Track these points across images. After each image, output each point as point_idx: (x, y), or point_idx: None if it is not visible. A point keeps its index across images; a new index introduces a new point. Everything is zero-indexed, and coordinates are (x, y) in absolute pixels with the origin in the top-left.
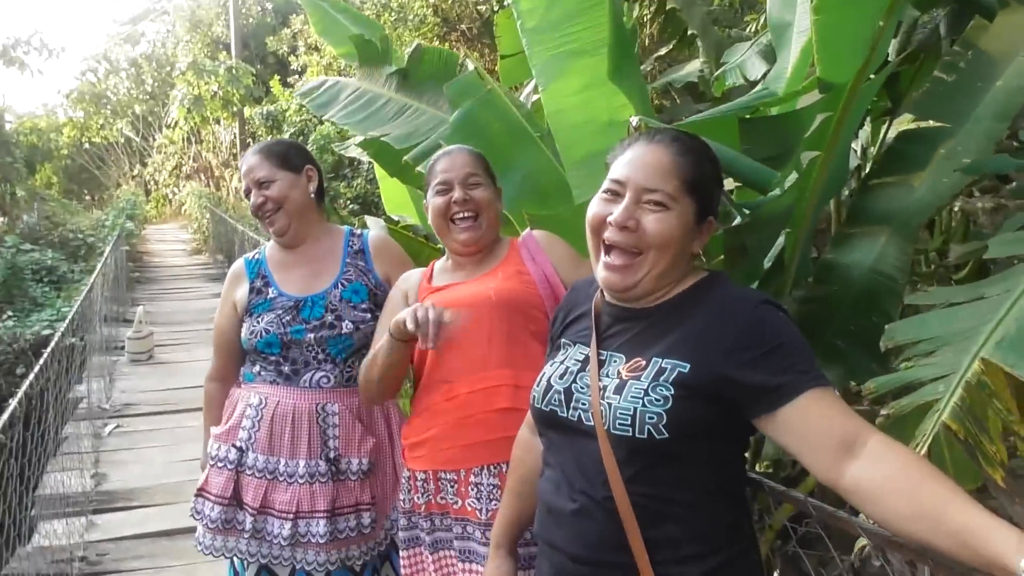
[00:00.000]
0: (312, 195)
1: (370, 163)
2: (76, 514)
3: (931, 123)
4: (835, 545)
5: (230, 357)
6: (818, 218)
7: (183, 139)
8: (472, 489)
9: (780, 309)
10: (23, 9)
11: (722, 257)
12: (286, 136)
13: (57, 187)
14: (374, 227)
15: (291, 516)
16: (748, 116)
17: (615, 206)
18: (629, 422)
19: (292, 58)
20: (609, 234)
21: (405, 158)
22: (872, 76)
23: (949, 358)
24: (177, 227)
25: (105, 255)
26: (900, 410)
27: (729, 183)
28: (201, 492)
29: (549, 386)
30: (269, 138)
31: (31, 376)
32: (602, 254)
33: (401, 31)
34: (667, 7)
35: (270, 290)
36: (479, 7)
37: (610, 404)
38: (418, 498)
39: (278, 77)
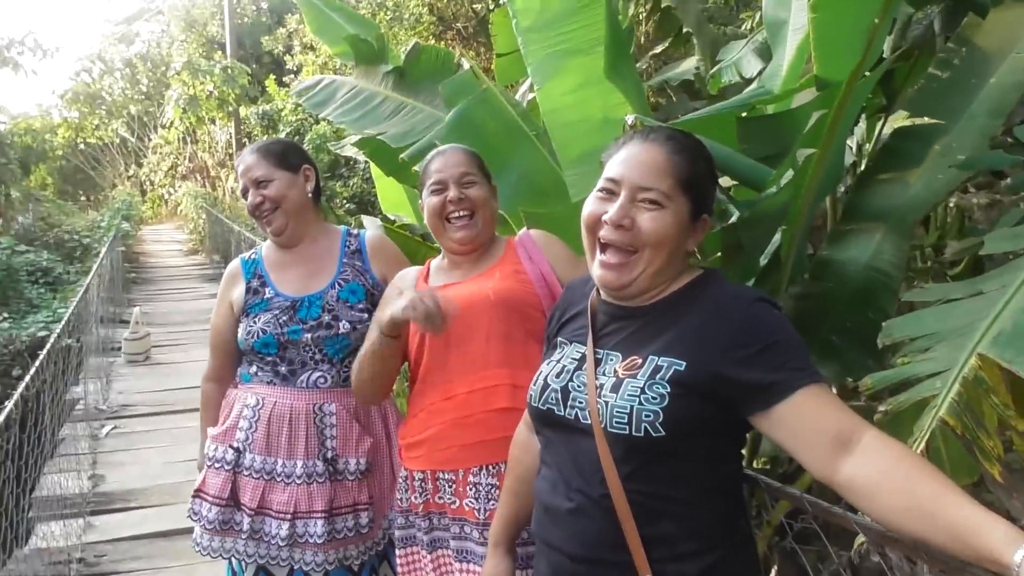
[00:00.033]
0: (310, 195)
1: (366, 162)
2: (74, 515)
3: (926, 120)
4: (833, 541)
5: (226, 357)
6: (814, 215)
7: (179, 139)
8: (471, 489)
9: (775, 306)
10: (17, 9)
11: (719, 255)
12: (282, 136)
13: (52, 188)
14: (371, 227)
15: (289, 516)
16: (746, 115)
17: (610, 205)
18: (626, 420)
19: (288, 57)
20: (604, 232)
21: (401, 156)
22: (867, 73)
23: (946, 354)
24: (173, 227)
25: (101, 256)
26: (898, 406)
27: (727, 181)
28: (198, 493)
29: (546, 385)
30: (265, 137)
31: (27, 378)
32: (598, 252)
33: (396, 30)
34: (662, 5)
35: (267, 290)
36: (474, 6)
37: (607, 402)
38: (415, 498)
39: (274, 77)
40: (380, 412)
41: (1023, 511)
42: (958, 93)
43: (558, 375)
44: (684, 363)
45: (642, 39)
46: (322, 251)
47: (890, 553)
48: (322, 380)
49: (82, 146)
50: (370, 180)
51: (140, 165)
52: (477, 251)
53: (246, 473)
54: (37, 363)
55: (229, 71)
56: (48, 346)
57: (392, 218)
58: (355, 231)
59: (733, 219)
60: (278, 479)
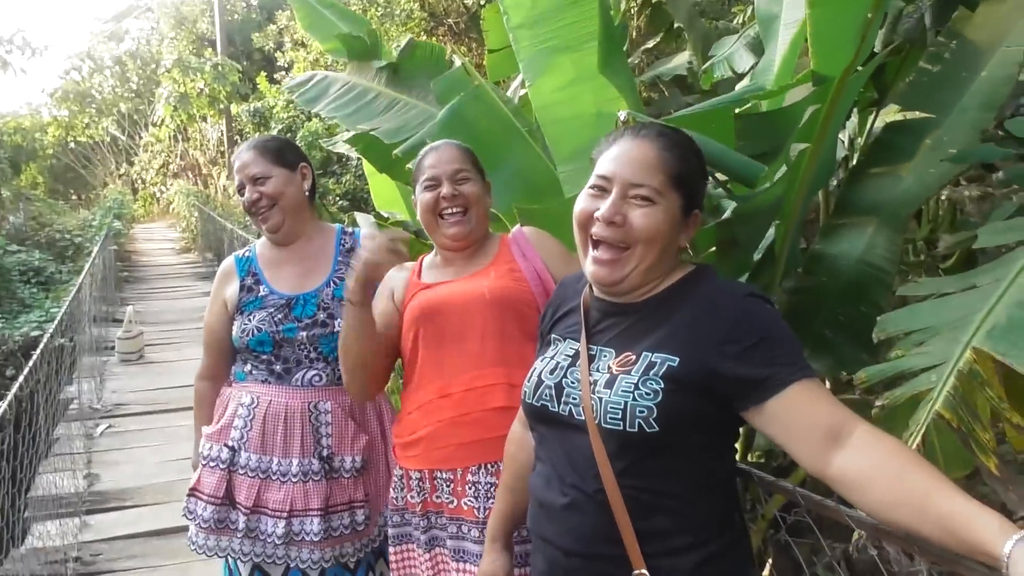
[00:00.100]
0: (306, 193)
1: (359, 159)
2: (69, 515)
3: (917, 114)
4: (826, 534)
5: (220, 355)
6: (807, 209)
7: (170, 137)
8: (469, 488)
9: (767, 302)
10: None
11: (712, 250)
12: (274, 133)
13: (43, 187)
14: (364, 224)
15: (285, 515)
16: (743, 112)
17: (602, 202)
18: (620, 416)
19: (278, 54)
20: (597, 229)
21: (395, 152)
22: (860, 68)
23: (941, 347)
24: (165, 226)
25: (93, 255)
26: (894, 400)
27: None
28: (193, 492)
29: (540, 381)
30: (257, 135)
31: (21, 378)
32: (590, 249)
33: (388, 26)
34: (653, 0)
35: (261, 288)
36: (466, 1)
37: (601, 398)
38: (412, 497)
39: (265, 73)
40: (375, 410)
41: (1019, 503)
42: (949, 87)
43: (552, 371)
44: (677, 359)
45: (633, 34)
46: (317, 249)
47: (888, 547)
48: (317, 378)
49: (72, 145)
50: (363, 177)
51: (131, 163)
52: (470, 248)
53: (241, 472)
54: (31, 363)
55: (220, 68)
56: (41, 346)
57: (385, 215)
58: (350, 229)
59: (727, 214)
60: (274, 477)
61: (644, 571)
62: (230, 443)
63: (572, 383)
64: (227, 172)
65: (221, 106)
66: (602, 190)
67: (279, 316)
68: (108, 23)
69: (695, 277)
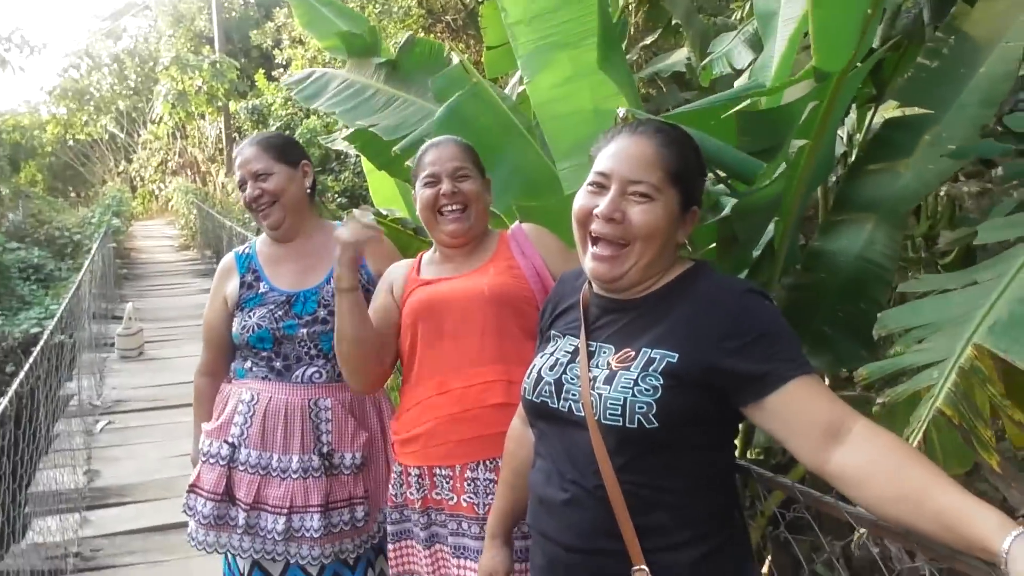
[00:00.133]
0: (308, 190)
1: (357, 156)
2: (69, 511)
3: (916, 110)
4: (825, 532)
5: (220, 352)
6: (806, 206)
7: (168, 135)
8: (468, 484)
9: (765, 298)
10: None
11: (711, 247)
12: (272, 130)
13: (42, 185)
14: (363, 218)
15: (285, 511)
16: (745, 109)
17: (601, 198)
18: (619, 412)
19: (276, 52)
20: (596, 226)
21: (394, 149)
22: (858, 64)
23: (942, 344)
24: (164, 223)
25: (92, 252)
26: (896, 397)
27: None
28: (193, 488)
29: (539, 377)
30: (256, 132)
31: (22, 374)
32: (589, 245)
33: (386, 23)
34: None
35: (261, 284)
36: None
37: (600, 394)
38: (412, 493)
39: (263, 71)
40: (375, 406)
41: (1022, 501)
42: (948, 83)
43: (551, 368)
44: (677, 355)
45: (631, 30)
46: (317, 246)
47: (890, 545)
48: (317, 375)
49: (71, 142)
50: (361, 174)
51: (130, 161)
52: (469, 245)
53: (241, 468)
54: (31, 359)
55: (218, 66)
56: (42, 342)
57: (384, 212)
58: (354, 223)
59: (726, 211)
60: (273, 474)
61: (643, 567)
62: (230, 439)
63: (572, 379)
64: (226, 169)
65: (219, 103)
66: (601, 187)
67: (279, 313)
68: (106, 21)
69: (694, 273)
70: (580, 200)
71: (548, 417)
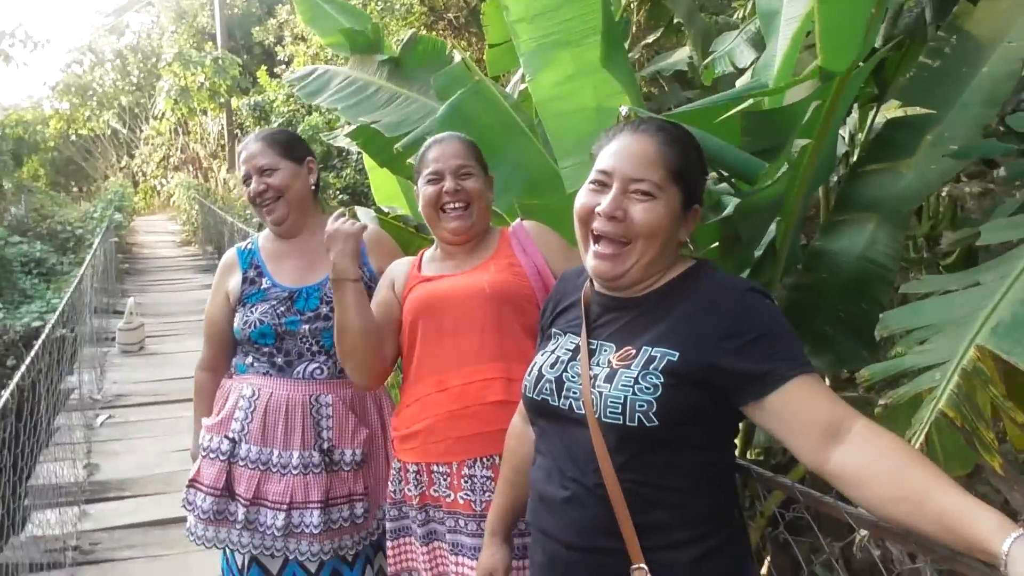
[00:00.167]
0: (311, 187)
1: (359, 153)
2: (69, 504)
3: (918, 110)
4: (825, 533)
5: (221, 347)
6: (807, 205)
7: (170, 130)
8: (465, 482)
9: (766, 297)
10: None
11: (714, 246)
12: (275, 126)
13: (44, 179)
14: (365, 218)
15: (285, 507)
16: (749, 109)
17: (602, 196)
18: (620, 410)
19: (279, 48)
20: (598, 224)
21: (396, 147)
22: (861, 63)
23: (944, 345)
24: (166, 218)
25: (94, 247)
26: (898, 399)
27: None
28: (193, 483)
29: (540, 375)
30: (258, 128)
31: (23, 367)
32: (591, 243)
33: (388, 20)
34: None
35: (263, 280)
36: None
37: (601, 392)
38: (410, 490)
39: (265, 67)
40: (376, 403)
41: None
42: (950, 82)
43: (552, 365)
44: (677, 353)
45: (633, 29)
46: (320, 243)
47: (891, 547)
48: (318, 371)
49: (74, 137)
50: (363, 171)
51: (132, 156)
52: (471, 242)
53: (241, 463)
54: (32, 352)
55: (220, 62)
56: (43, 336)
57: (386, 210)
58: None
59: (729, 210)
60: (274, 469)
61: (643, 565)
62: (230, 435)
63: (572, 377)
64: (227, 165)
65: (221, 100)
66: (602, 185)
67: (281, 309)
68: (109, 17)
69: (695, 272)
70: (582, 198)
71: (548, 415)
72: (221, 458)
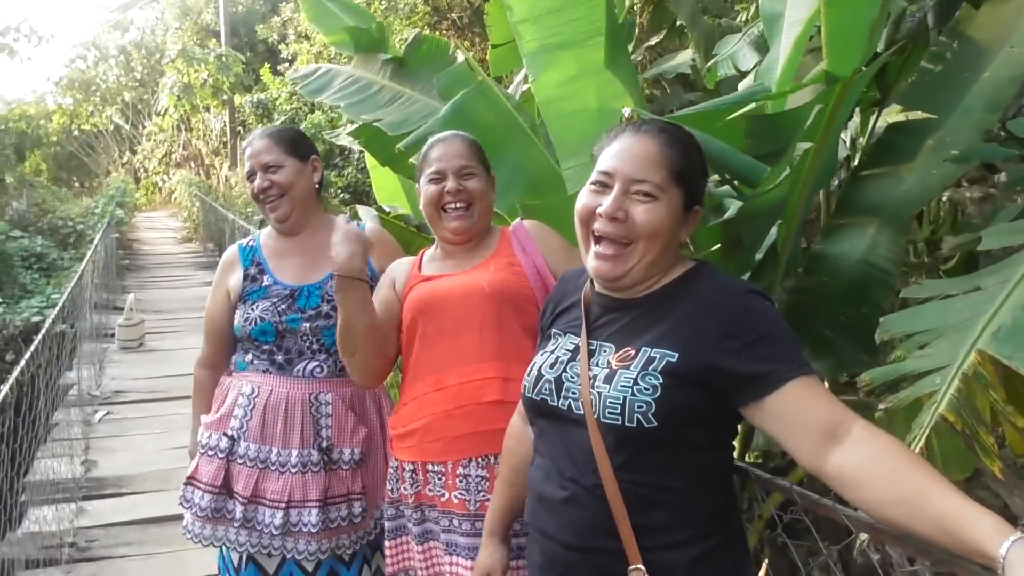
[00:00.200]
0: (315, 185)
1: (361, 152)
2: (66, 500)
3: (920, 114)
4: (823, 536)
5: (221, 344)
6: (808, 209)
7: (173, 127)
8: (460, 481)
9: (766, 299)
10: None
11: (714, 248)
12: (277, 124)
13: (46, 174)
14: (367, 217)
15: (283, 505)
16: (753, 113)
17: (604, 197)
18: (618, 411)
19: (282, 46)
20: (599, 225)
21: (398, 146)
22: (863, 67)
23: (945, 350)
24: (167, 215)
25: (95, 242)
26: (898, 403)
27: None
28: (191, 480)
29: (540, 375)
30: (260, 126)
31: (22, 362)
32: (592, 244)
33: (391, 19)
34: None
35: (265, 278)
36: None
37: (600, 393)
38: (406, 489)
39: (268, 65)
40: (375, 402)
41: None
42: (951, 87)
43: (552, 366)
44: (677, 354)
45: (636, 30)
46: (322, 242)
47: (891, 551)
48: (318, 369)
49: (76, 133)
50: (365, 170)
51: (134, 152)
52: (471, 241)
53: (240, 461)
54: (32, 348)
55: (223, 59)
56: (43, 331)
57: (387, 209)
58: (355, 223)
59: (731, 213)
60: (272, 468)
61: (640, 566)
62: (229, 432)
63: (572, 378)
64: (229, 163)
65: (224, 97)
66: (604, 186)
67: (282, 306)
68: (114, 13)
69: (695, 273)
70: (583, 199)
71: (548, 415)
72: (220, 455)
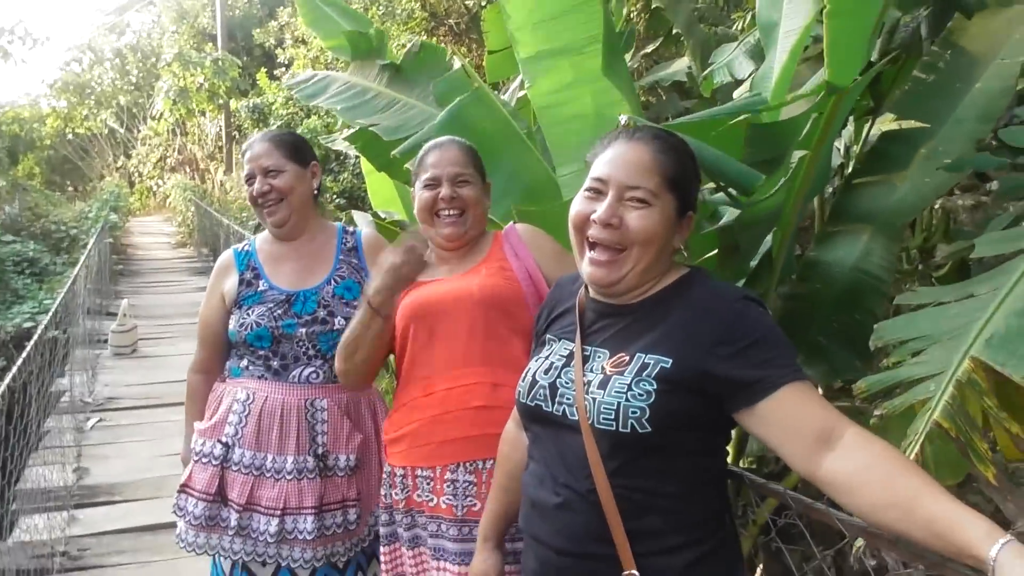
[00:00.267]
0: (315, 191)
1: (357, 157)
2: (57, 508)
3: (913, 123)
4: (817, 541)
5: (215, 349)
6: (803, 216)
7: (168, 131)
8: (448, 486)
9: (760, 304)
10: None
11: (709, 255)
12: (273, 128)
13: (39, 178)
14: (363, 223)
15: (278, 512)
16: (752, 122)
17: (598, 204)
18: (613, 416)
19: (279, 51)
20: (593, 231)
21: (393, 152)
22: (858, 77)
23: (939, 356)
24: (161, 220)
25: (88, 247)
26: (893, 409)
27: None
28: (184, 488)
29: (534, 381)
30: (256, 131)
31: (14, 369)
32: (587, 250)
33: (389, 25)
34: (652, 5)
35: (260, 282)
36: (467, 2)
37: (594, 399)
38: (397, 494)
39: (265, 70)
40: (370, 408)
41: (1018, 513)
42: (944, 96)
43: (546, 371)
44: (671, 360)
45: (635, 39)
46: (319, 247)
47: (887, 556)
48: (314, 376)
49: (70, 136)
50: (360, 175)
51: (129, 156)
52: (465, 247)
53: (234, 468)
54: (24, 354)
55: (220, 63)
56: (35, 337)
57: (382, 214)
58: (351, 229)
59: (726, 219)
60: (267, 475)
61: (634, 571)
62: (224, 439)
63: (566, 383)
64: (225, 167)
65: (220, 101)
66: (598, 192)
67: (279, 312)
68: (110, 15)
69: (689, 280)
70: (577, 205)
71: (542, 421)
72: (214, 463)
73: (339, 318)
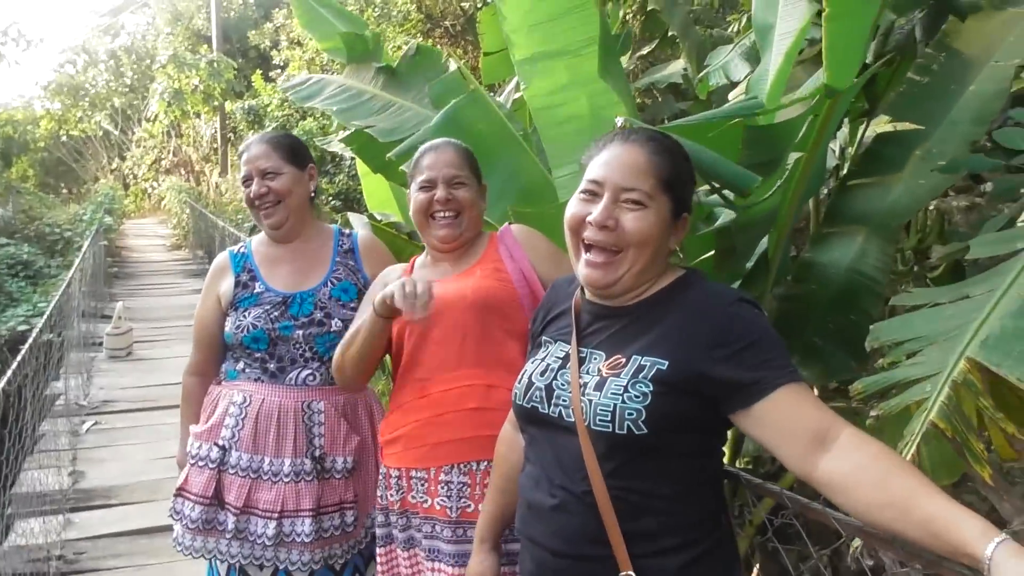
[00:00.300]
0: (312, 194)
1: (352, 159)
2: (53, 512)
3: (907, 125)
4: (814, 540)
5: (210, 351)
6: (798, 218)
7: (163, 133)
8: (442, 488)
9: (755, 306)
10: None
11: (705, 256)
12: (268, 131)
13: (33, 180)
14: (359, 225)
15: (276, 515)
16: (749, 124)
17: (593, 206)
18: (609, 418)
19: (274, 52)
20: (589, 233)
21: (388, 155)
22: (854, 79)
23: (935, 357)
24: (156, 222)
25: (83, 250)
26: (889, 410)
27: None
28: (181, 492)
29: (531, 383)
30: (251, 133)
31: (8, 372)
32: (583, 252)
33: (384, 27)
34: (648, 7)
35: (257, 284)
36: (462, 4)
37: (590, 401)
38: (392, 495)
39: (260, 72)
40: (367, 410)
41: (1014, 513)
42: (938, 98)
43: (542, 373)
44: (667, 362)
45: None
46: (315, 249)
47: (884, 557)
48: (311, 378)
49: (64, 138)
50: (356, 177)
51: (123, 158)
52: (460, 248)
53: (231, 471)
54: (19, 357)
55: (215, 65)
56: (30, 340)
57: (378, 216)
58: (347, 231)
59: (722, 221)
60: (264, 477)
61: (631, 572)
62: (220, 442)
63: (562, 385)
64: (220, 169)
65: (215, 103)
66: (593, 194)
67: (275, 313)
68: (104, 17)
69: (685, 282)
70: (573, 208)
71: (538, 422)
72: (211, 466)
73: (336, 320)
